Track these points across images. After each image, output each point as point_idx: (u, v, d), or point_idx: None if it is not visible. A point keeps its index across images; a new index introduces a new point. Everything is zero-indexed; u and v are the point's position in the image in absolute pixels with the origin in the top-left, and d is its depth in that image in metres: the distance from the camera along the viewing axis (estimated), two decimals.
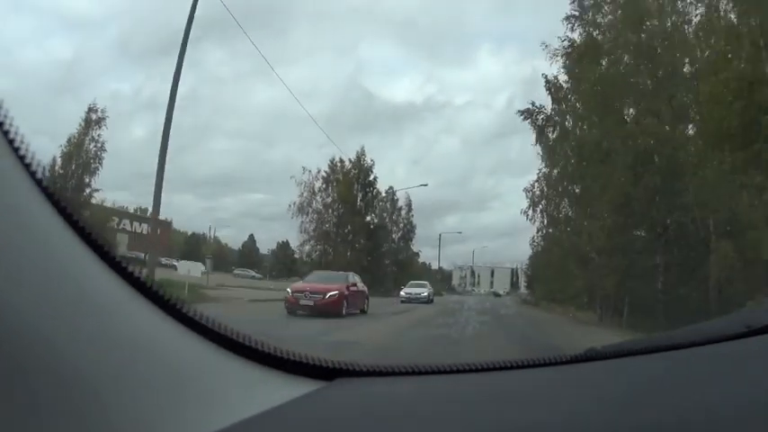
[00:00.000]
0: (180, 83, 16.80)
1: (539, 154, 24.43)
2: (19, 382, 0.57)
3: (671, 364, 1.18)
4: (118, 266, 0.71)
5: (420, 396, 0.98)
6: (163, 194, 16.68)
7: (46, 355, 0.59)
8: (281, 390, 0.86)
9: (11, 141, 0.62)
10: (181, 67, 16.79)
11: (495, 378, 1.11)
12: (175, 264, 26.73)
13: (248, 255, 71.24)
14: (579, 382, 1.10)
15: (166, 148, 16.64)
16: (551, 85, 22.86)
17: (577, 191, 23.13)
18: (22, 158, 0.62)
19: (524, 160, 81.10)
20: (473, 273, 73.99)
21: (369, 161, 45.11)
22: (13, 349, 0.57)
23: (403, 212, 51.13)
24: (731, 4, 17.20)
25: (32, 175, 0.63)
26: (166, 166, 16.47)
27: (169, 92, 16.82)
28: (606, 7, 21.07)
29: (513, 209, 76.66)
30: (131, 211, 49.99)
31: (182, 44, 16.69)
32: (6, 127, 0.61)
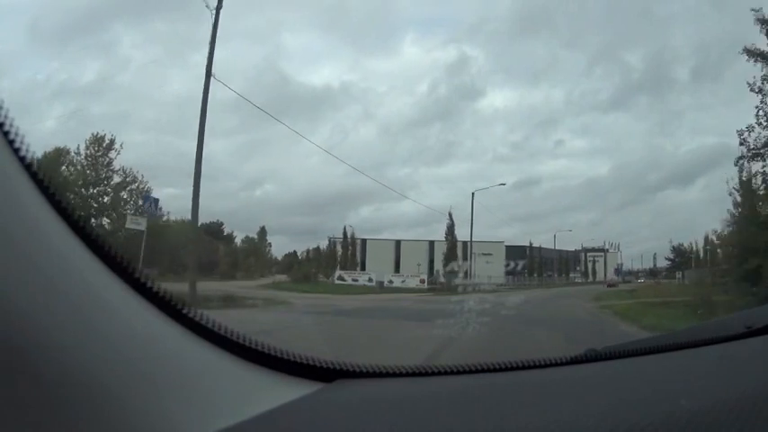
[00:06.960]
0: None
1: None
2: (21, 381, 0.57)
3: (671, 364, 1.18)
4: (118, 267, 0.71)
5: (420, 397, 0.98)
6: None
7: (46, 355, 0.59)
8: (282, 391, 0.86)
9: (11, 142, 0.62)
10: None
11: (496, 379, 1.10)
12: None
13: None
14: (579, 382, 1.09)
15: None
16: None
17: None
18: (22, 159, 0.62)
19: (440, 149, 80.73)
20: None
21: None
22: (13, 349, 0.56)
23: None
24: None
25: (33, 175, 0.63)
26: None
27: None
28: None
29: (428, 198, 72.56)
30: None
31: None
32: (6, 127, 0.61)
